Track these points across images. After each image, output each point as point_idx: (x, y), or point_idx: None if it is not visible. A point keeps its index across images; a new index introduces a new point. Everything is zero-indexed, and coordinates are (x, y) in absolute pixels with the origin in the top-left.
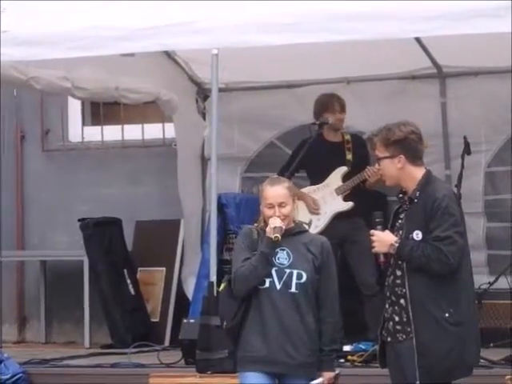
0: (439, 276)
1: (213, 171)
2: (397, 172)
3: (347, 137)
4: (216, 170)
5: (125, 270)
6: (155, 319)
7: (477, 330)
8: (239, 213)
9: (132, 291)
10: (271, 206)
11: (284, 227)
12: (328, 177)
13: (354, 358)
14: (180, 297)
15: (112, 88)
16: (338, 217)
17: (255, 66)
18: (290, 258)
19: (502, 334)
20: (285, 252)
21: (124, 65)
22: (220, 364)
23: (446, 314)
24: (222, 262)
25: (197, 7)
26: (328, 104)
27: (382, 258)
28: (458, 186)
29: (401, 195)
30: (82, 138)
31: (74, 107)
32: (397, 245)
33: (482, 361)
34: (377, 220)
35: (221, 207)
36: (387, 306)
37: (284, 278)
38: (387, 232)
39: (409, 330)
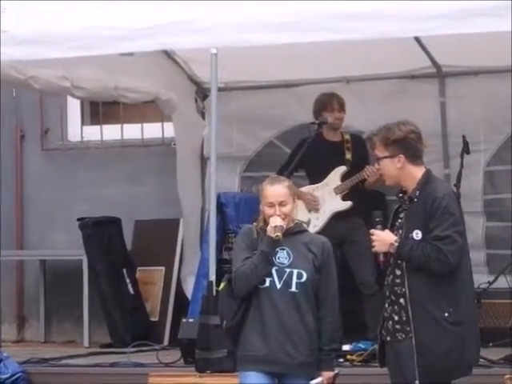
0: (439, 275)
1: (212, 170)
2: (397, 171)
3: (347, 136)
4: (215, 169)
5: (124, 270)
6: (154, 318)
7: (476, 329)
8: (238, 212)
9: (131, 291)
10: (272, 205)
11: (285, 226)
12: (327, 176)
13: (354, 357)
14: (179, 296)
15: (111, 87)
16: (337, 217)
17: (255, 66)
18: (290, 258)
19: (502, 334)
20: (285, 251)
21: (123, 64)
22: (219, 363)
23: (446, 314)
24: (221, 262)
25: (196, 7)
26: (327, 103)
27: (381, 258)
28: (457, 185)
29: (401, 194)
30: (82, 137)
31: (74, 107)
32: (396, 244)
33: (481, 360)
34: (377, 219)
35: (220, 206)
36: (387, 305)
37: (284, 278)
38: (387, 231)
39: (408, 329)
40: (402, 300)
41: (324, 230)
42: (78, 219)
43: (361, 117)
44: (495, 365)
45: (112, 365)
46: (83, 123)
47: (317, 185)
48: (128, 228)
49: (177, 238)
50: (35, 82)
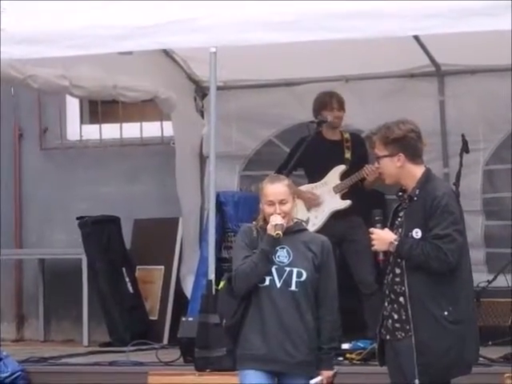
0: (438, 274)
1: (211, 169)
2: (396, 170)
3: (346, 135)
4: (214, 168)
5: (123, 269)
6: (154, 317)
7: (476, 328)
8: (238, 211)
9: (130, 289)
10: (272, 204)
11: (285, 224)
12: (326, 175)
13: (353, 356)
14: (178, 295)
15: (110, 86)
16: (336, 216)
17: (254, 64)
18: (289, 257)
19: (501, 332)
20: (285, 250)
21: (122, 63)
22: (218, 362)
23: (445, 312)
24: (220, 260)
25: (195, 5)
26: (327, 102)
27: (381, 256)
28: (457, 184)
29: (400, 193)
30: (80, 136)
31: (72, 105)
32: (396, 243)
33: (480, 359)
34: (376, 218)
35: (219, 205)
36: (386, 304)
37: (284, 276)
38: (386, 230)
39: (408, 328)
40: (401, 299)
41: (323, 229)
42: (77, 218)
43: (360, 116)
44: (495, 363)
45: (111, 364)
46: (82, 122)
47: (316, 183)
48: (127, 227)
49: (176, 236)
50: (34, 81)
